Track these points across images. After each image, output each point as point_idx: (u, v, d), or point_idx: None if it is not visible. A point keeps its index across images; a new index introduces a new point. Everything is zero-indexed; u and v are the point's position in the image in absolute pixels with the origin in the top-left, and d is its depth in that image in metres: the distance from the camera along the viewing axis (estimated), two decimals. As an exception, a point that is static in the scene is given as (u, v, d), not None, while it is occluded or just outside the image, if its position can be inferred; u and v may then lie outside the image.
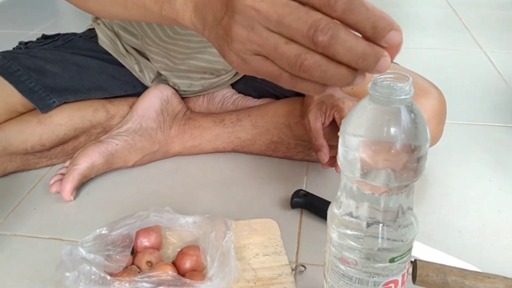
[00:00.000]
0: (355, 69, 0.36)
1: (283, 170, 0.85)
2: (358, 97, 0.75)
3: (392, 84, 0.39)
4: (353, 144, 0.41)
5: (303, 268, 0.63)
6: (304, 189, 0.76)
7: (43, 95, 0.82)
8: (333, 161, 0.73)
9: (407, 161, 0.40)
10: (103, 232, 0.61)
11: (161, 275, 0.55)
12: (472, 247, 0.68)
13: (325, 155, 0.72)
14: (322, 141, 0.72)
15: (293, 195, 0.74)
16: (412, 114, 0.39)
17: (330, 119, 0.74)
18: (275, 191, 0.80)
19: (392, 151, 0.39)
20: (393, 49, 0.36)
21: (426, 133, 0.41)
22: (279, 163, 0.87)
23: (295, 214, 0.74)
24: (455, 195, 0.79)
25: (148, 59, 0.89)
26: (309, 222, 0.73)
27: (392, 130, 0.39)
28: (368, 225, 0.44)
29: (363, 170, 0.41)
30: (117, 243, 0.60)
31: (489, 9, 1.85)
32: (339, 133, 0.43)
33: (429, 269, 0.57)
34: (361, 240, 0.44)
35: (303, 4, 0.35)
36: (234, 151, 0.89)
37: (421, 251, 0.66)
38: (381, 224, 0.44)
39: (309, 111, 0.75)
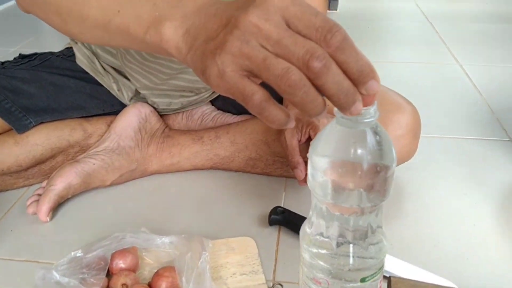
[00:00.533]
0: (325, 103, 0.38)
1: (261, 187, 0.86)
2: (332, 114, 0.76)
3: (357, 107, 0.40)
4: (321, 166, 0.41)
5: (279, 287, 0.63)
6: (282, 205, 0.77)
7: (19, 115, 0.82)
8: (309, 177, 0.73)
9: (374, 182, 0.41)
10: (78, 254, 0.60)
11: (136, 297, 0.55)
12: (448, 261, 0.69)
13: (301, 172, 0.72)
14: (298, 158, 0.73)
15: (270, 212, 0.75)
16: (378, 136, 0.40)
17: (306, 136, 0.74)
18: (253, 208, 0.80)
19: (359, 173, 0.40)
20: (368, 98, 0.38)
21: (392, 154, 0.41)
22: (258, 180, 0.87)
23: (273, 231, 0.74)
24: (430, 209, 0.80)
25: (126, 78, 0.89)
26: (287, 239, 0.73)
27: (358, 152, 0.40)
28: (338, 245, 0.44)
29: (332, 192, 0.41)
30: (92, 265, 0.59)
31: (466, 22, 1.89)
32: (307, 155, 0.43)
33: (404, 285, 0.57)
34: (332, 259, 0.45)
35: (302, 35, 0.37)
36: (213, 168, 0.89)
37: (397, 266, 0.66)
38: (351, 244, 0.44)
39: (285, 129, 0.75)
